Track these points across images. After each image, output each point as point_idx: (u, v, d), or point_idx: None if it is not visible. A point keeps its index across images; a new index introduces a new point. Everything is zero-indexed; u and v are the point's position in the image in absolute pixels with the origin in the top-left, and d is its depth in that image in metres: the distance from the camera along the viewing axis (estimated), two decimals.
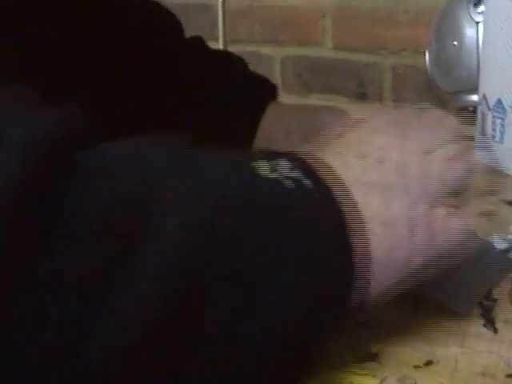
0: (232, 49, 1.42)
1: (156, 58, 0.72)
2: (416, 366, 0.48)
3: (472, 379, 0.46)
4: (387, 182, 0.42)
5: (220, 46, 1.40)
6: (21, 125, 0.30)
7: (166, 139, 0.37)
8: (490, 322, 0.53)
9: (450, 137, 0.46)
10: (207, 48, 0.77)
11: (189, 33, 1.43)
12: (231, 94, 0.73)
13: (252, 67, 1.40)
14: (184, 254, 0.32)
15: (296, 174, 0.38)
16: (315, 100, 1.33)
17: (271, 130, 0.71)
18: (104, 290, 0.30)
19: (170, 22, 0.77)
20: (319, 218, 0.38)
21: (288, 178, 0.38)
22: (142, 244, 0.31)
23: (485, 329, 0.52)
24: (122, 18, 0.69)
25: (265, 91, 0.75)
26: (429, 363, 0.48)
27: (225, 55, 0.80)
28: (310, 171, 0.39)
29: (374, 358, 0.49)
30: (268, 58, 1.37)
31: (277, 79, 1.38)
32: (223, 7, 1.38)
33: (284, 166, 0.38)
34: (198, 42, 0.77)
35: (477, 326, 0.52)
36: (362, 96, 1.29)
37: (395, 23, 1.23)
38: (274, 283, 0.35)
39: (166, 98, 0.71)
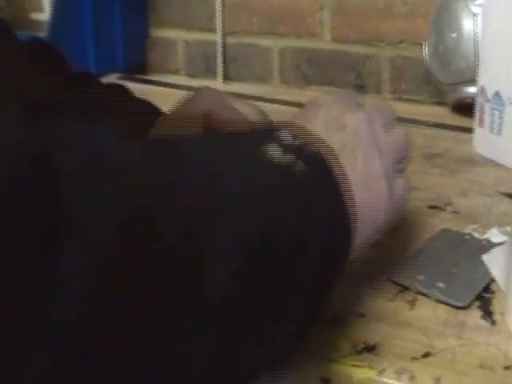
0: (230, 41, 1.41)
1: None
2: (414, 358, 0.48)
3: (470, 371, 0.46)
4: (355, 145, 0.49)
5: (218, 37, 1.39)
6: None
7: None
8: (488, 314, 0.53)
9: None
10: (93, 80, 0.77)
11: (187, 24, 1.44)
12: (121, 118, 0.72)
13: (250, 59, 1.40)
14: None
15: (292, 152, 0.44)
16: (313, 92, 1.33)
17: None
18: None
19: (57, 60, 0.76)
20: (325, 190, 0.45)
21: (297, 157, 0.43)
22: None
23: (483, 321, 0.52)
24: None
25: (151, 110, 0.75)
26: (427, 355, 0.48)
27: (110, 85, 0.80)
28: (306, 144, 0.45)
29: (372, 350, 0.49)
30: (266, 49, 1.37)
31: (275, 71, 1.38)
32: None
33: (285, 138, 0.44)
34: (86, 76, 0.77)
35: (475, 318, 0.52)
36: (360, 88, 1.29)
37: (393, 15, 1.22)
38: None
39: None
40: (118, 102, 0.74)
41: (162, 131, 0.71)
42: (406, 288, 0.56)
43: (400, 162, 0.53)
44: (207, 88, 0.73)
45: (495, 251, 0.61)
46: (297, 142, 0.44)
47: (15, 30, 0.73)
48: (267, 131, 0.47)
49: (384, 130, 0.52)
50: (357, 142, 0.49)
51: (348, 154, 0.48)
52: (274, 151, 0.42)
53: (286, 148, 0.43)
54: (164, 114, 0.74)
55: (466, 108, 1.05)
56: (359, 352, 0.49)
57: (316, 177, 0.44)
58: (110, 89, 0.77)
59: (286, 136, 0.44)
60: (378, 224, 0.50)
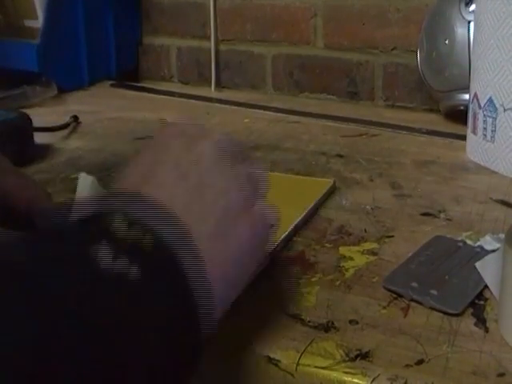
0: (223, 48, 1.41)
1: None
2: (407, 365, 0.48)
3: (463, 378, 0.46)
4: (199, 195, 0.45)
5: (212, 44, 1.40)
6: None
7: None
8: (482, 321, 0.53)
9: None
10: None
11: (180, 31, 1.44)
12: None
13: (243, 66, 1.40)
14: None
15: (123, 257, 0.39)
16: (306, 99, 1.33)
17: None
18: None
19: None
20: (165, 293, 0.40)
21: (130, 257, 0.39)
22: None
23: (476, 328, 0.52)
24: None
25: None
26: (420, 362, 0.48)
27: None
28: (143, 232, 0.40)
29: (365, 357, 0.49)
30: (259, 56, 1.37)
31: (268, 78, 1.38)
32: (214, 6, 1.38)
33: (118, 230, 0.39)
34: None
35: (468, 325, 0.52)
36: (353, 95, 1.29)
37: (386, 22, 1.23)
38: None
39: None
40: None
41: None
42: (400, 295, 0.56)
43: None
44: None
45: (488, 258, 0.60)
46: (132, 235, 0.40)
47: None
48: (98, 222, 0.41)
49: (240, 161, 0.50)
50: (205, 180, 0.46)
51: (197, 207, 0.45)
52: (104, 255, 0.38)
53: (119, 247, 0.39)
54: None
55: (459, 115, 1.05)
56: (352, 359, 0.49)
57: (152, 280, 0.40)
58: None
59: (119, 226, 0.40)
60: (246, 269, 0.47)
